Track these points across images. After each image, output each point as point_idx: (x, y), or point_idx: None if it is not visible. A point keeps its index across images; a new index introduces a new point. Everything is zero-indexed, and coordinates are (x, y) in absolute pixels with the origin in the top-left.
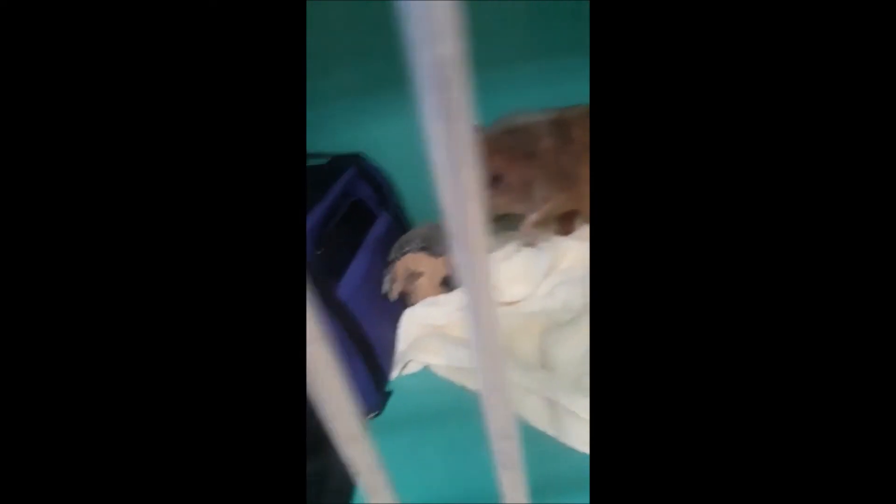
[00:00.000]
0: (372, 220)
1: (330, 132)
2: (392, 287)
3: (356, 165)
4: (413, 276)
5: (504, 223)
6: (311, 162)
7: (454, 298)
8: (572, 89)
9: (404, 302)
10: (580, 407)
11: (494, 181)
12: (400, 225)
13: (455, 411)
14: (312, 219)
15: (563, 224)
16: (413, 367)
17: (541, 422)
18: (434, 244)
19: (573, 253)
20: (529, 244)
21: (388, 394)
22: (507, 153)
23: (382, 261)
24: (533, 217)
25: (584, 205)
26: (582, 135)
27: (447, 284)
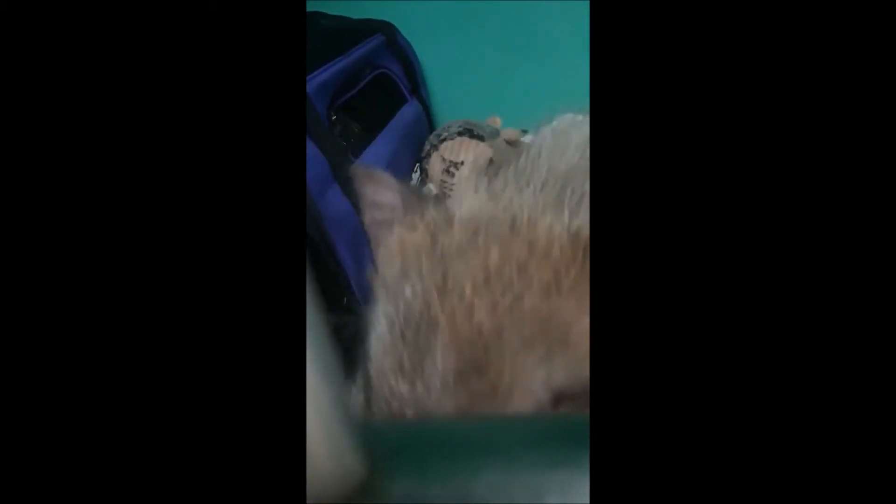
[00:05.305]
0: (399, 103)
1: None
2: (428, 185)
3: (385, 34)
4: (452, 167)
5: None
6: (333, 23)
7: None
8: None
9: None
10: None
11: None
12: (430, 119)
13: None
14: (325, 76)
15: None
16: None
17: None
18: (475, 127)
19: None
20: None
21: None
22: None
23: (410, 153)
24: None
25: None
26: None
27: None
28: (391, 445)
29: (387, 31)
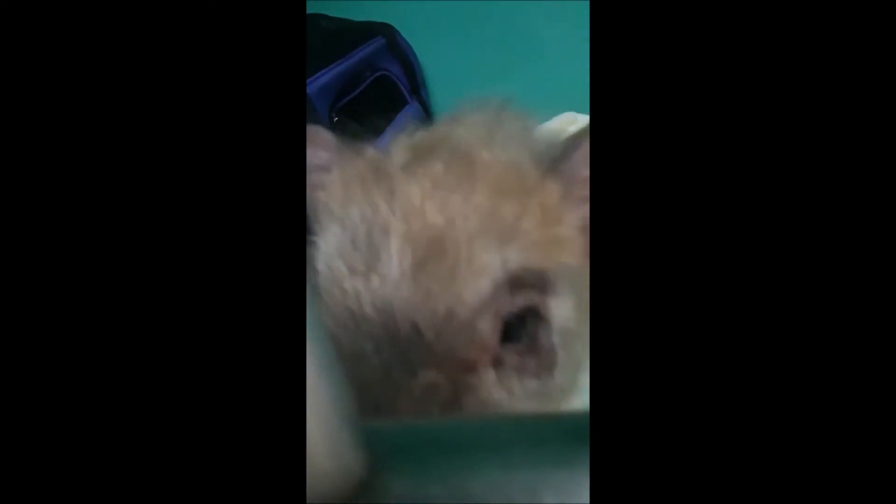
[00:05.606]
0: (400, 104)
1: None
2: None
3: (385, 36)
4: None
5: None
6: (334, 25)
7: None
8: None
9: None
10: None
11: None
12: (430, 120)
13: None
14: (326, 78)
15: None
16: None
17: None
18: None
19: None
20: None
21: None
22: None
23: None
24: None
25: None
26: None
27: None
28: (391, 445)
29: (387, 33)
